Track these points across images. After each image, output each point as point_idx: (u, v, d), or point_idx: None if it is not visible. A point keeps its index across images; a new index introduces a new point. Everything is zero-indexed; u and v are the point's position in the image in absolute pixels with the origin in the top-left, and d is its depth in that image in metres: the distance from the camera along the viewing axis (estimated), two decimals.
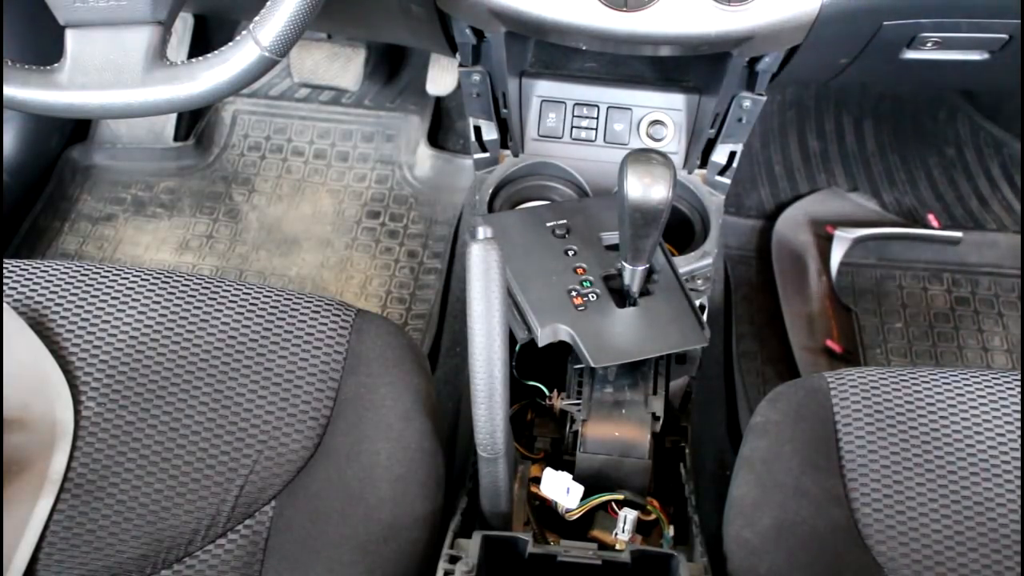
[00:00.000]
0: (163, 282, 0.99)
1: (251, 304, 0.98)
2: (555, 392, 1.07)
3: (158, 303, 0.97)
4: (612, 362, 0.96)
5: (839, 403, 0.96)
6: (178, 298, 0.98)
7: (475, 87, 1.19)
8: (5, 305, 0.95)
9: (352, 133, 1.83)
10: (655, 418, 1.02)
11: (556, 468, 0.99)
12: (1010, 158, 1.81)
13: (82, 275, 0.99)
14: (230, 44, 0.86)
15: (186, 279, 1.00)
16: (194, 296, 0.98)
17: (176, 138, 1.81)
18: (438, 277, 1.63)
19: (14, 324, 0.93)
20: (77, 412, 0.90)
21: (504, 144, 1.27)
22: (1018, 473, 0.90)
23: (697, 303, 1.02)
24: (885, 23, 1.03)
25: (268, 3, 0.84)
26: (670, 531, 0.99)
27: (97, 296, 0.97)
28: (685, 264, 1.13)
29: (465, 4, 1.02)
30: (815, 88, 1.90)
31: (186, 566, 0.86)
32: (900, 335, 1.57)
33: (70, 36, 0.88)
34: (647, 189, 0.84)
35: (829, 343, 1.52)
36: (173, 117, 1.81)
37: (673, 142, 1.25)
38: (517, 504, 0.98)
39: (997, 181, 1.79)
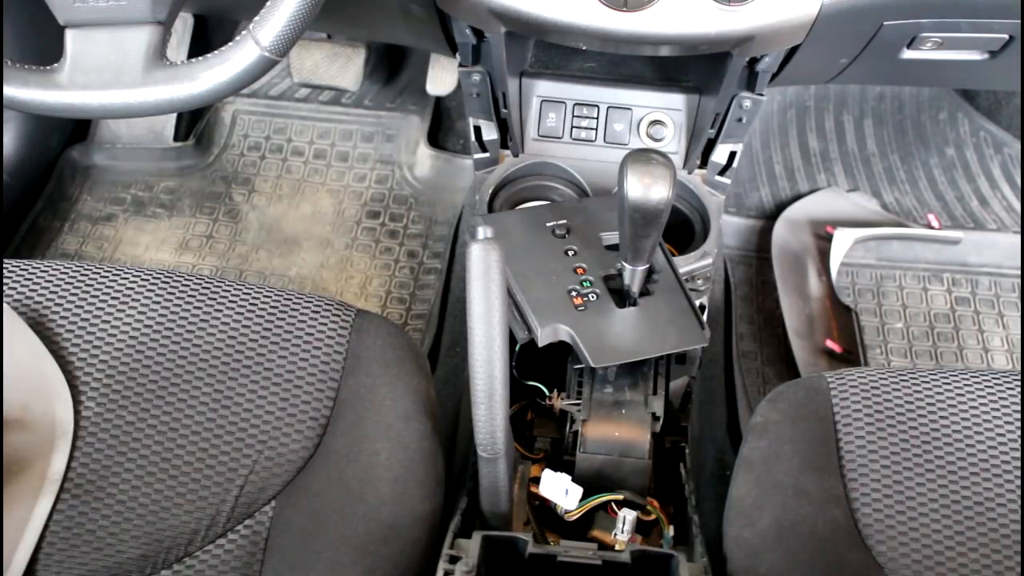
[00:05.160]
0: (163, 282, 0.99)
1: (251, 304, 0.98)
2: (555, 392, 1.07)
3: (158, 303, 0.97)
4: (612, 362, 0.96)
5: (839, 403, 0.96)
6: (178, 298, 0.98)
7: (475, 87, 1.19)
8: (5, 305, 0.95)
9: (352, 133, 1.83)
10: (655, 418, 1.02)
11: (556, 468, 0.99)
12: (1010, 158, 1.81)
13: (82, 275, 0.99)
14: (230, 44, 0.86)
15: (186, 279, 1.00)
16: (194, 296, 0.98)
17: (176, 138, 1.81)
18: (438, 277, 1.63)
19: (14, 324, 0.93)
20: (77, 412, 0.90)
21: (504, 144, 1.27)
22: (1018, 473, 0.90)
23: (697, 303, 1.02)
24: (885, 23, 1.03)
25: (268, 3, 0.84)
26: (670, 531, 0.99)
27: (97, 296, 0.97)
28: (685, 264, 1.13)
29: (465, 4, 1.02)
30: (815, 88, 1.89)
31: (186, 566, 0.86)
32: (900, 335, 1.57)
33: (70, 36, 0.88)
34: (647, 189, 0.84)
35: (829, 343, 1.52)
36: (173, 117, 1.81)
37: (673, 142, 1.25)
38: (517, 504, 0.98)
39: (997, 181, 1.79)
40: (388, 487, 0.90)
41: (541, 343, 0.97)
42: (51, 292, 0.97)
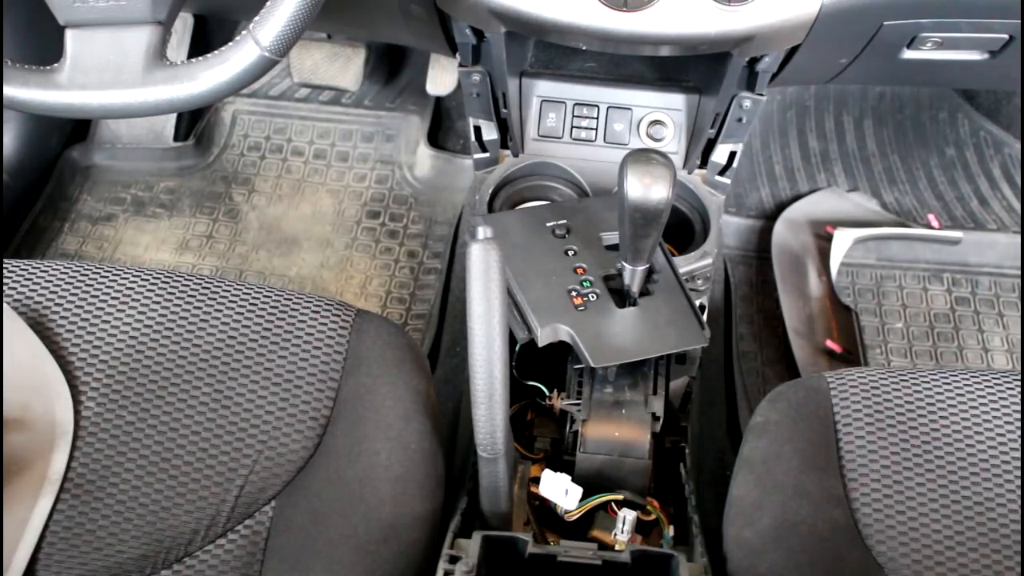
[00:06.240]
0: (163, 282, 0.99)
1: (251, 304, 0.98)
2: (555, 392, 1.07)
3: (158, 303, 0.97)
4: (612, 362, 0.96)
5: (839, 403, 0.96)
6: (178, 298, 0.98)
7: (475, 87, 1.19)
8: (5, 305, 0.95)
9: (352, 133, 1.83)
10: (655, 418, 1.02)
11: (556, 468, 0.99)
12: (1010, 158, 1.81)
13: (82, 275, 0.99)
14: (230, 44, 0.86)
15: (186, 279, 1.00)
16: (194, 296, 0.98)
17: (176, 138, 1.81)
18: (438, 277, 1.63)
19: (14, 324, 0.93)
20: (77, 412, 0.90)
21: (504, 144, 1.27)
22: (1018, 473, 0.90)
23: (697, 303, 1.02)
24: (885, 23, 1.03)
25: (268, 3, 0.84)
26: (670, 531, 0.99)
27: (97, 296, 0.97)
28: (685, 264, 1.13)
29: (465, 4, 1.02)
30: (815, 88, 1.89)
31: (186, 566, 0.86)
32: (900, 335, 1.57)
33: (70, 36, 0.88)
34: (647, 189, 0.84)
35: (829, 343, 1.52)
36: (173, 117, 1.81)
37: (673, 142, 1.25)
38: (517, 504, 0.98)
39: (997, 181, 1.79)
40: (388, 487, 0.90)
41: (541, 343, 0.97)
42: (51, 292, 0.97)
